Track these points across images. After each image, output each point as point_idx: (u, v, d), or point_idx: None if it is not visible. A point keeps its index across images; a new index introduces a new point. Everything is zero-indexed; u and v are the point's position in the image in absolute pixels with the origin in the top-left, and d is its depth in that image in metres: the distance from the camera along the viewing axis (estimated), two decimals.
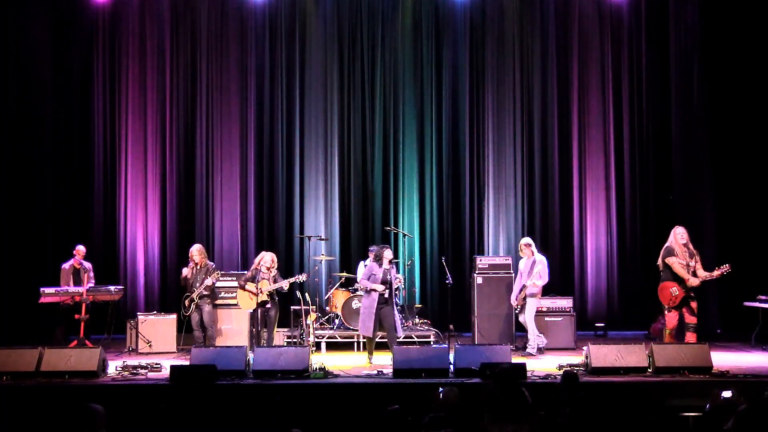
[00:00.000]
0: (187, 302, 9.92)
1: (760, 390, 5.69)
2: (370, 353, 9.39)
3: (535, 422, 5.79)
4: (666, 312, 9.36)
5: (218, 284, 10.26)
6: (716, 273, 9.05)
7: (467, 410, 5.89)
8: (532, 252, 9.97)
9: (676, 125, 12.04)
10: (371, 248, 11.23)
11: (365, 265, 11.09)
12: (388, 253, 9.45)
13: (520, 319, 10.03)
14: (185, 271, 10.09)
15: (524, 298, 9.87)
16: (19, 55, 11.64)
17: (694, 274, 9.12)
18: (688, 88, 11.86)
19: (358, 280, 11.03)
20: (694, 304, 9.18)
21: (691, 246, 9.22)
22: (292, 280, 9.78)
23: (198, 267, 10.00)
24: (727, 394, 5.96)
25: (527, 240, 10.22)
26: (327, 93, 12.39)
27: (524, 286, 9.86)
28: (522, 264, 10.07)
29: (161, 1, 12.33)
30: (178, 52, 12.38)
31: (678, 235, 9.24)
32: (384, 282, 9.30)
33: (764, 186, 11.41)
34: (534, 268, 9.83)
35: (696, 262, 9.17)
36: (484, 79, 12.44)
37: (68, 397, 7.62)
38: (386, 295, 9.26)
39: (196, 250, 10.08)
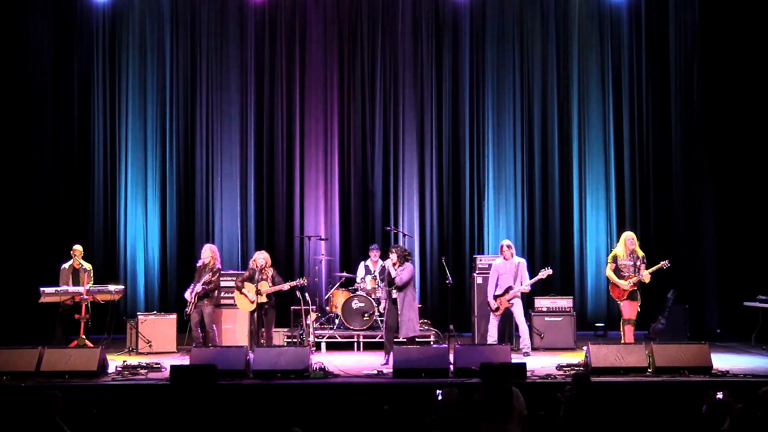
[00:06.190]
0: (189, 300, 9.80)
1: (756, 390, 5.71)
2: None
3: (525, 422, 5.80)
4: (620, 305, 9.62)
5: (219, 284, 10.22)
6: (653, 270, 9.40)
7: (465, 411, 5.89)
8: (513, 254, 9.96)
9: (676, 125, 12.04)
10: (372, 247, 11.25)
11: (365, 265, 11.11)
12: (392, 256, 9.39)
13: (494, 318, 9.90)
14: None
15: (509, 300, 9.83)
16: (20, 55, 11.66)
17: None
18: (688, 89, 11.86)
19: (357, 280, 11.04)
20: (635, 303, 9.51)
21: (638, 250, 9.52)
22: (293, 283, 9.77)
23: (204, 266, 9.91)
24: (720, 395, 6.00)
25: (509, 242, 10.19)
26: (327, 93, 12.39)
27: (510, 288, 9.81)
28: (501, 265, 9.92)
29: (161, 1, 12.35)
30: (178, 52, 12.39)
31: (627, 241, 9.54)
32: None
33: (764, 186, 11.40)
34: (521, 270, 9.84)
35: (642, 263, 9.46)
36: (484, 79, 12.44)
37: (68, 397, 7.60)
38: (393, 295, 9.34)
39: (207, 249, 10.03)
